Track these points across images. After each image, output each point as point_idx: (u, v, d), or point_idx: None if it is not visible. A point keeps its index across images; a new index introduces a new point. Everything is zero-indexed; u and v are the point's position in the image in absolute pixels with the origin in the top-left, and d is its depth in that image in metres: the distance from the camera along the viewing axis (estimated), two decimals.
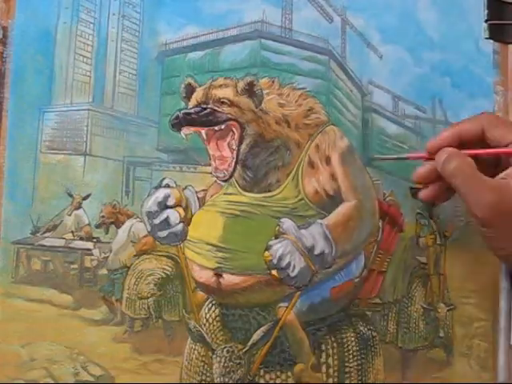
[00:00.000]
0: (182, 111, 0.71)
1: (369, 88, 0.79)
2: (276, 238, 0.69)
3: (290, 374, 0.72)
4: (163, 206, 0.71)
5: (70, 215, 0.75)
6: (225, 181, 0.73)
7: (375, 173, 0.77)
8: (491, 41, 0.82)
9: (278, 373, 0.72)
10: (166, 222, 0.71)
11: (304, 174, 0.72)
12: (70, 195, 0.74)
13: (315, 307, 0.73)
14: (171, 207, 0.71)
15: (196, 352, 0.73)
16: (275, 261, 0.67)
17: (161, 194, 0.72)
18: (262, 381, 0.72)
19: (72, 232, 0.76)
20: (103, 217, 0.75)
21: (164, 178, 0.73)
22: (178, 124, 0.70)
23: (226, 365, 0.71)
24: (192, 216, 0.73)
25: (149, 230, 0.72)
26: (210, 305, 0.74)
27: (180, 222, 0.71)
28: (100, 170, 0.74)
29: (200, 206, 0.74)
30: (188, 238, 0.72)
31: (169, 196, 0.72)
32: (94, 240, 0.75)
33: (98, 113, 0.76)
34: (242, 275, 0.70)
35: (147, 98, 0.76)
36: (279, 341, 0.72)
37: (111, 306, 0.74)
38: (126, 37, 0.77)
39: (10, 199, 0.73)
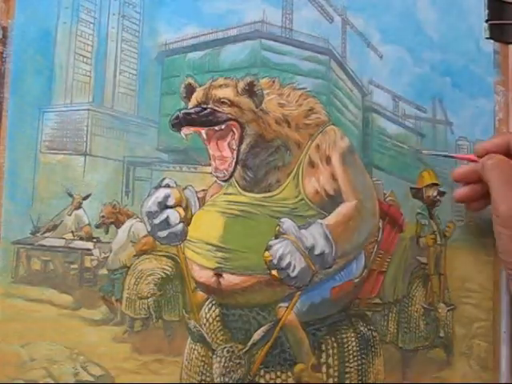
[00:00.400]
0: (182, 111, 0.71)
1: (369, 88, 0.79)
2: (276, 238, 0.69)
3: (290, 374, 0.72)
4: (163, 206, 0.71)
5: (70, 215, 0.75)
6: (225, 181, 0.73)
7: (375, 173, 0.77)
8: (491, 41, 0.82)
9: (278, 373, 0.72)
10: (166, 222, 0.71)
11: (304, 174, 0.72)
12: (70, 195, 0.74)
13: (315, 307, 0.72)
14: (171, 207, 0.71)
15: (196, 352, 0.73)
16: (275, 261, 0.67)
17: (161, 193, 0.72)
18: (262, 381, 0.72)
19: (72, 232, 0.76)
20: (103, 217, 0.75)
21: (164, 178, 0.73)
22: (178, 124, 0.70)
23: (226, 365, 0.71)
24: (192, 216, 0.73)
25: (149, 230, 0.72)
26: (210, 305, 0.74)
27: (180, 221, 0.71)
28: (100, 170, 0.74)
29: (200, 206, 0.74)
30: (188, 237, 0.72)
31: (169, 196, 0.72)
32: (94, 240, 0.75)
33: (98, 113, 0.76)
34: (242, 275, 0.70)
35: (147, 98, 0.76)
36: (279, 341, 0.72)
37: (111, 306, 0.74)
38: (125, 37, 0.77)
39: (10, 199, 0.73)
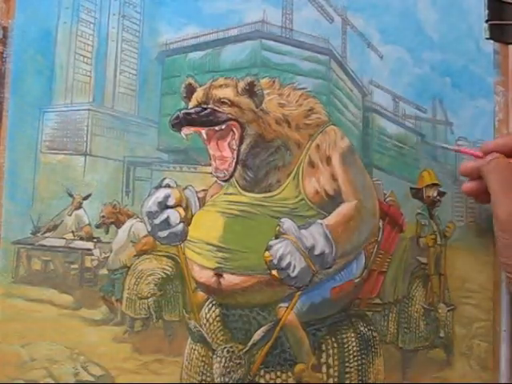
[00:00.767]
0: (183, 111, 0.71)
1: (369, 88, 0.79)
2: (276, 238, 0.69)
3: (290, 374, 0.72)
4: (163, 206, 0.71)
5: (70, 215, 0.75)
6: (225, 181, 0.73)
7: (375, 173, 0.78)
8: (491, 41, 0.82)
9: (279, 373, 0.72)
10: (167, 222, 0.71)
11: (304, 174, 0.72)
12: (71, 195, 0.74)
13: (315, 307, 0.72)
14: (171, 207, 0.71)
15: (196, 352, 0.73)
16: (275, 261, 0.67)
17: (161, 194, 0.72)
18: (262, 381, 0.72)
19: (72, 232, 0.76)
20: (103, 217, 0.75)
21: (164, 178, 0.73)
22: (179, 124, 0.70)
23: (226, 365, 0.71)
24: (192, 216, 0.73)
25: (149, 230, 0.72)
26: (211, 305, 0.74)
27: (180, 222, 0.71)
28: (100, 170, 0.74)
29: (200, 206, 0.74)
30: (188, 238, 0.72)
31: (169, 196, 0.72)
32: (95, 240, 0.75)
33: (98, 113, 0.76)
34: (243, 275, 0.70)
35: (147, 98, 0.76)
36: (279, 341, 0.72)
37: (111, 305, 0.74)
38: (126, 37, 0.77)
39: (10, 199, 0.73)
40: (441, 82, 0.80)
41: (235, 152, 0.71)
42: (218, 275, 0.71)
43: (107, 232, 0.75)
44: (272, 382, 0.72)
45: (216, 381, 0.71)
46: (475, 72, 0.81)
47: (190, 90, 0.73)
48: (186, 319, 0.73)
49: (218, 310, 0.74)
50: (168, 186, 0.73)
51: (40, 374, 0.71)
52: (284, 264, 0.67)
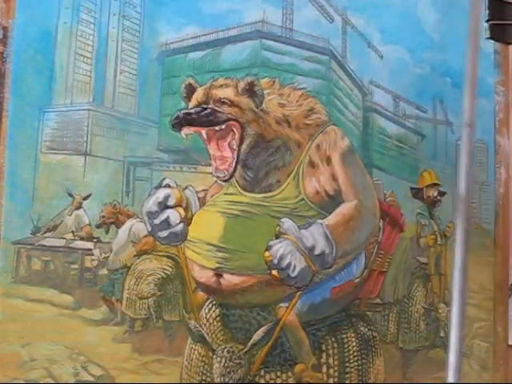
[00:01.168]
0: (183, 111, 0.70)
1: (369, 88, 0.79)
2: (276, 238, 0.69)
3: (290, 374, 0.72)
4: (163, 206, 0.71)
5: (70, 215, 0.75)
6: (225, 181, 0.73)
7: (375, 173, 0.78)
8: (492, 41, 0.82)
9: (279, 373, 0.72)
10: (167, 222, 0.71)
11: (304, 174, 0.72)
12: (71, 195, 0.74)
13: (316, 307, 0.72)
14: (171, 207, 0.71)
15: (196, 352, 0.73)
16: (276, 261, 0.67)
17: (161, 194, 0.72)
18: (262, 381, 0.72)
19: (72, 232, 0.75)
20: (104, 217, 0.74)
21: (164, 178, 0.73)
22: (179, 124, 0.70)
23: (226, 365, 0.71)
24: (192, 216, 0.73)
25: (149, 230, 0.72)
26: (211, 305, 0.74)
27: (180, 221, 0.71)
28: (100, 170, 0.74)
29: (200, 206, 0.74)
30: (188, 238, 0.72)
31: (169, 196, 0.71)
32: (95, 240, 0.75)
33: (98, 113, 0.76)
34: (243, 275, 0.70)
35: (147, 98, 0.76)
36: (279, 341, 0.72)
37: (111, 306, 0.74)
38: (126, 37, 0.77)
39: (10, 199, 0.73)
40: (441, 81, 0.80)
41: (235, 152, 0.71)
42: (218, 275, 0.71)
43: (107, 232, 0.75)
44: (272, 382, 0.72)
45: (216, 381, 0.71)
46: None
47: (190, 90, 0.73)
48: (186, 319, 0.73)
49: (218, 310, 0.74)
50: (168, 186, 0.73)
51: (40, 374, 0.71)
52: (284, 264, 0.67)
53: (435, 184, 0.79)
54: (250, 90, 0.71)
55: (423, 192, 0.79)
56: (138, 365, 0.73)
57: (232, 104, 0.71)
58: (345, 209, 0.72)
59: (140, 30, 0.77)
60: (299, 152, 0.73)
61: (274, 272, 0.68)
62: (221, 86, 0.72)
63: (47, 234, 0.75)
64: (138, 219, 0.74)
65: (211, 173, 0.73)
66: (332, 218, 0.71)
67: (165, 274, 0.76)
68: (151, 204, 0.72)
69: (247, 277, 0.70)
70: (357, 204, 0.72)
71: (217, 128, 0.71)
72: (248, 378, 0.71)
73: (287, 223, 0.69)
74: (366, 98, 0.79)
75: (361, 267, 0.75)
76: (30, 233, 0.73)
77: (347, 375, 0.74)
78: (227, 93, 0.71)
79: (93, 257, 0.75)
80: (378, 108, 0.80)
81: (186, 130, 0.71)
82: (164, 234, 0.72)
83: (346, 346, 0.74)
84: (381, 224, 0.76)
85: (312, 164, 0.73)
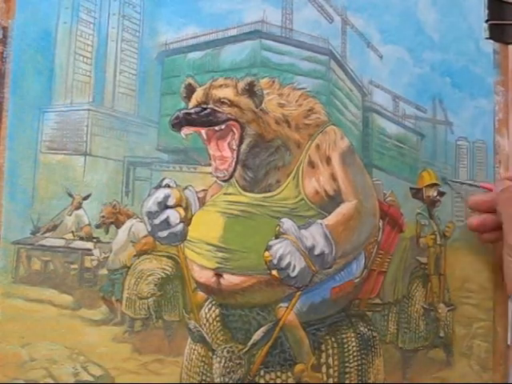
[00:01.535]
0: (183, 111, 0.71)
1: (369, 88, 0.79)
2: (276, 238, 0.69)
3: (290, 374, 0.72)
4: (163, 206, 0.71)
5: (70, 215, 0.75)
6: (225, 181, 0.73)
7: (375, 173, 0.78)
8: (491, 41, 0.82)
9: (279, 373, 0.72)
10: (166, 222, 0.71)
11: (304, 174, 0.72)
12: (70, 195, 0.74)
13: (315, 307, 0.72)
14: (171, 207, 0.71)
15: (196, 352, 0.73)
16: (275, 261, 0.67)
17: (161, 194, 0.72)
18: (262, 381, 0.72)
19: (72, 232, 0.76)
20: (103, 217, 0.74)
21: (164, 178, 0.73)
22: (179, 124, 0.70)
23: (226, 365, 0.71)
24: (192, 216, 0.73)
25: (149, 230, 0.72)
26: (210, 305, 0.74)
27: (180, 222, 0.71)
28: (100, 170, 0.74)
29: (200, 206, 0.74)
30: (188, 238, 0.72)
31: (169, 196, 0.72)
32: (94, 240, 0.75)
33: (98, 113, 0.76)
34: (242, 275, 0.70)
35: (147, 98, 0.76)
36: (279, 341, 0.72)
37: (111, 306, 0.74)
38: (126, 37, 0.77)
39: (10, 199, 0.73)
40: (441, 81, 0.80)
41: (235, 152, 0.71)
42: (218, 275, 0.71)
43: (107, 232, 0.75)
44: (272, 382, 0.72)
45: (216, 381, 0.71)
46: (475, 72, 0.81)
47: (190, 90, 0.73)
48: (185, 319, 0.73)
49: (217, 310, 0.74)
50: (168, 186, 0.73)
51: (40, 374, 0.71)
52: (284, 264, 0.67)
53: (435, 184, 0.79)
54: (250, 90, 0.71)
55: (423, 192, 0.79)
56: (137, 365, 0.73)
57: (232, 104, 0.71)
58: (344, 209, 0.72)
59: (140, 30, 0.77)
60: (299, 152, 0.73)
61: (274, 272, 0.68)
62: (220, 86, 0.72)
63: (47, 234, 0.75)
64: (137, 219, 0.74)
65: (211, 173, 0.73)
66: (332, 218, 0.71)
67: (165, 274, 0.76)
68: (151, 204, 0.72)
69: (247, 277, 0.70)
70: (357, 204, 0.72)
71: (216, 128, 0.71)
72: (248, 378, 0.71)
73: (287, 223, 0.69)
74: (366, 98, 0.79)
75: (361, 267, 0.75)
76: (29, 233, 0.73)
77: (347, 375, 0.74)
78: (227, 93, 0.71)
79: (93, 257, 0.75)
80: (378, 108, 0.80)
81: (186, 130, 0.71)
82: (164, 234, 0.72)
83: (345, 345, 0.74)
84: (380, 224, 0.76)
85: (312, 164, 0.73)
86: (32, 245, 0.74)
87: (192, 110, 0.71)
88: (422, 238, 0.79)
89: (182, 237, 0.72)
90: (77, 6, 0.76)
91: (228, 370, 0.71)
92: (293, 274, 0.67)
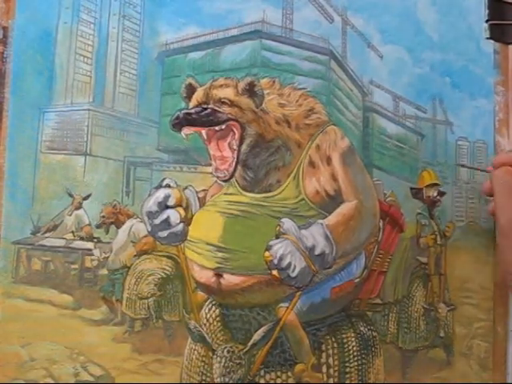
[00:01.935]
0: (183, 111, 0.71)
1: (369, 88, 0.79)
2: (276, 238, 0.69)
3: (290, 374, 0.72)
4: (163, 206, 0.71)
5: (70, 215, 0.75)
6: (225, 181, 0.73)
7: (376, 173, 0.78)
8: (492, 41, 0.82)
9: (279, 373, 0.72)
10: (167, 222, 0.71)
11: (305, 174, 0.72)
12: (71, 195, 0.74)
13: (316, 307, 0.72)
14: (171, 207, 0.71)
15: (196, 352, 0.73)
16: (276, 261, 0.67)
17: (161, 194, 0.72)
18: (262, 381, 0.72)
19: (72, 232, 0.76)
20: (103, 217, 0.74)
21: (164, 178, 0.73)
22: (179, 124, 0.70)
23: (226, 365, 0.71)
24: (192, 216, 0.73)
25: (149, 230, 0.72)
26: (210, 305, 0.74)
27: (180, 222, 0.71)
28: (100, 170, 0.74)
29: (200, 206, 0.74)
30: (188, 238, 0.72)
31: (169, 196, 0.72)
32: (95, 240, 0.75)
33: (98, 113, 0.76)
34: (243, 275, 0.70)
35: (148, 98, 0.76)
36: (280, 341, 0.72)
37: (111, 306, 0.74)
38: (126, 37, 0.77)
39: (10, 199, 0.73)
40: (441, 81, 0.81)
41: (235, 152, 0.71)
42: (218, 275, 0.71)
43: (107, 232, 0.75)
44: (272, 382, 0.72)
45: (216, 381, 0.71)
46: (475, 72, 0.81)
47: (191, 90, 0.73)
48: (185, 319, 0.73)
49: (218, 310, 0.74)
50: (168, 186, 0.73)
51: (40, 374, 0.71)
52: (284, 264, 0.67)
53: (435, 184, 0.79)
54: (250, 90, 0.71)
55: (423, 192, 0.79)
56: (137, 365, 0.73)
57: (232, 104, 0.71)
58: (345, 209, 0.72)
59: (140, 30, 0.77)
60: (299, 152, 0.73)
61: (274, 272, 0.68)
62: (221, 85, 0.72)
63: (47, 234, 0.75)
64: (138, 219, 0.74)
65: (211, 173, 0.73)
66: (332, 218, 0.71)
67: (165, 274, 0.76)
68: (151, 204, 0.71)
69: (247, 277, 0.70)
70: (357, 204, 0.72)
71: (217, 128, 0.71)
72: (248, 378, 0.71)
73: (287, 223, 0.69)
74: (366, 98, 0.79)
75: (361, 267, 0.75)
76: (30, 233, 0.73)
77: (347, 375, 0.74)
78: (227, 93, 0.71)
79: (93, 257, 0.75)
80: (378, 108, 0.80)
81: (187, 130, 0.71)
82: (164, 234, 0.72)
83: (345, 345, 0.74)
84: (381, 224, 0.76)
85: (312, 164, 0.73)
86: (32, 245, 0.74)
87: (192, 110, 0.71)
88: (423, 238, 0.79)
89: (182, 237, 0.72)
90: (77, 6, 0.76)
91: (228, 370, 0.71)
92: (293, 274, 0.67)
